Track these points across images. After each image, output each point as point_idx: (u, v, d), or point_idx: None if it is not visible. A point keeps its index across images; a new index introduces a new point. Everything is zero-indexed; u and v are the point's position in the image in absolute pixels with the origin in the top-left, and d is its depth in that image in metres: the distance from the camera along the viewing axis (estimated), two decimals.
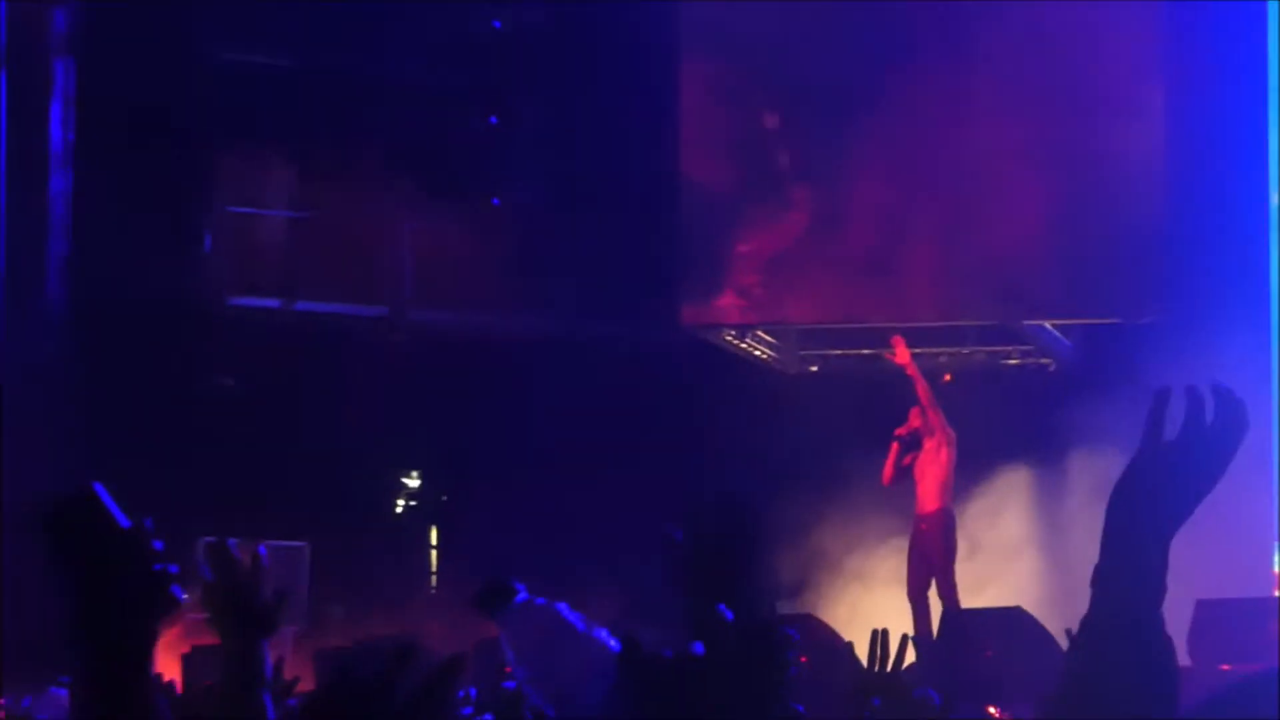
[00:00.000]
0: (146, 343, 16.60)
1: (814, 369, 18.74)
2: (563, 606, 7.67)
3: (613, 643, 5.11)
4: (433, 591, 17.84)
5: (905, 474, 16.06)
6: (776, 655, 3.63)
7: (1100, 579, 2.27)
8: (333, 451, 16.22)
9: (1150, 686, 2.38)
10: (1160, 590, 2.21)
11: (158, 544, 2.48)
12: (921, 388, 16.20)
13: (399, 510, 18.71)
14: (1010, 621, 14.53)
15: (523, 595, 7.53)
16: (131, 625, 2.51)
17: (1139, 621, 2.23)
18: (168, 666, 12.86)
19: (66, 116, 17.80)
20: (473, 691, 6.94)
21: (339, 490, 16.24)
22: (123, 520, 2.53)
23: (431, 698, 2.27)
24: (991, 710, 11.27)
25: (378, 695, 2.32)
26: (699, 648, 2.70)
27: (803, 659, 4.96)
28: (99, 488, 2.58)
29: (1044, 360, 18.30)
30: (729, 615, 3.14)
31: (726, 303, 18.33)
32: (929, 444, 16.07)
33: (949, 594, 15.83)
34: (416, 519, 18.86)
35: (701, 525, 4.50)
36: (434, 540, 18.72)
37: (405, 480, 18.85)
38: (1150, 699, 2.37)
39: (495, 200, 17.48)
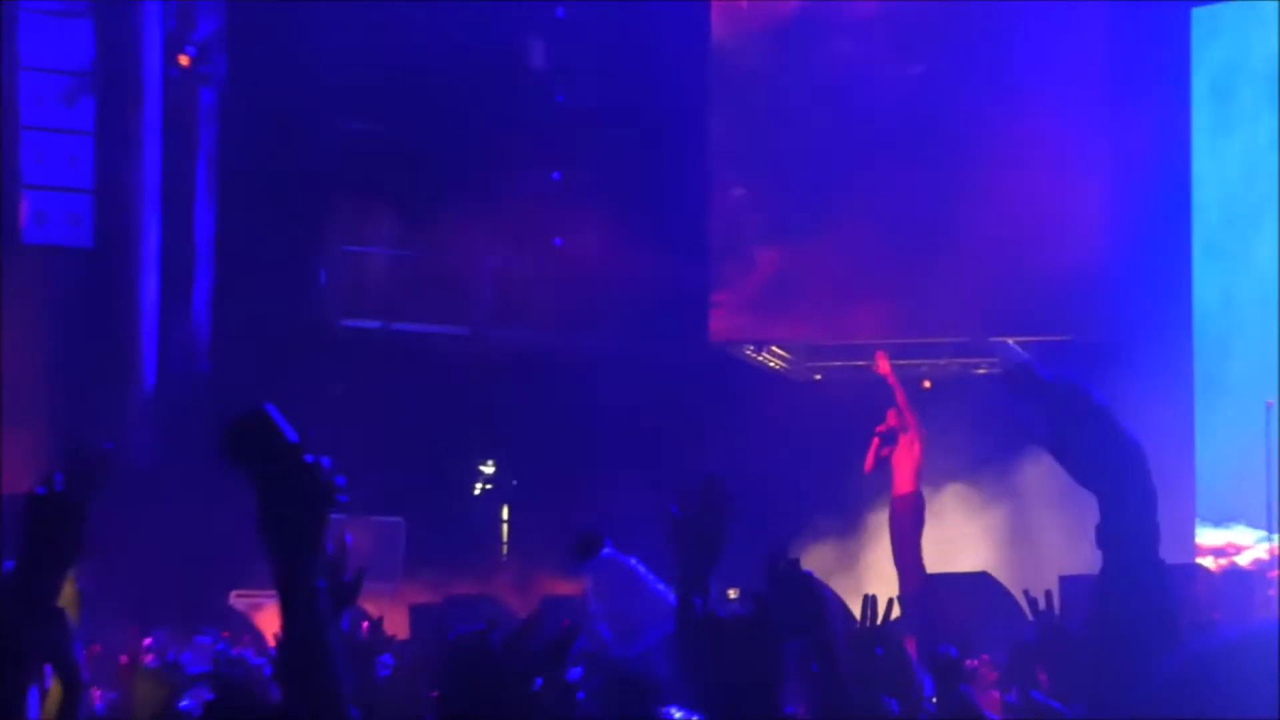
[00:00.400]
0: (275, 356, 17.69)
1: (818, 377, 19.83)
2: (637, 562, 8.14)
3: (671, 598, 6.07)
4: (503, 557, 18.99)
5: (884, 464, 17.42)
6: (806, 597, 4.51)
7: (1101, 537, 2.72)
8: (424, 444, 17.63)
9: (1156, 622, 2.77)
10: (1153, 541, 2.63)
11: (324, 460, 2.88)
12: (899, 393, 17.48)
13: (476, 492, 19.95)
14: (978, 584, 15.24)
15: (608, 548, 8.19)
16: (305, 517, 2.95)
17: (1139, 567, 2.64)
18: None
19: (212, 173, 19.24)
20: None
21: (429, 475, 17.67)
22: (291, 434, 2.90)
23: (553, 658, 2.95)
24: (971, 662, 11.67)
25: (510, 657, 2.92)
26: (745, 608, 3.42)
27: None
28: (270, 408, 2.93)
29: (995, 368, 18.21)
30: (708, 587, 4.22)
31: (746, 323, 19.73)
32: (904, 439, 17.32)
33: (917, 561, 16.96)
34: (491, 499, 20.08)
35: (690, 503, 5.33)
36: (505, 516, 19.88)
37: (482, 468, 20.10)
38: (1158, 631, 2.76)
39: (557, 241, 18.84)
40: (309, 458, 2.87)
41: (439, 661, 4.73)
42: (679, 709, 4.43)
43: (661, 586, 8.56)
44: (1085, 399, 2.73)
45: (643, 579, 9.11)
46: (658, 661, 5.95)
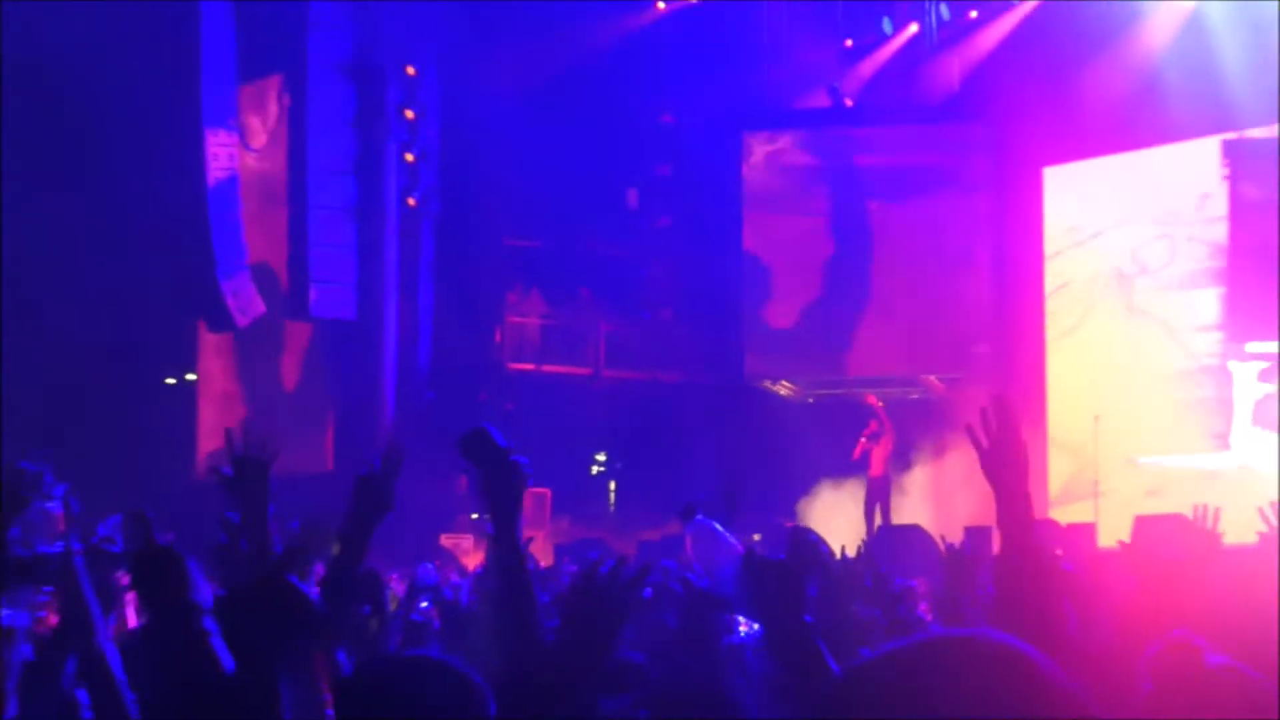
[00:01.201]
0: (469, 388, 21.63)
1: (811, 400, 22.89)
2: (717, 525, 10.23)
3: (740, 549, 6.97)
4: (611, 515, 21.84)
5: (865, 454, 19.71)
6: (808, 551, 5.74)
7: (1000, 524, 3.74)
8: (562, 442, 20.06)
9: None
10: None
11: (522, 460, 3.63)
12: (879, 408, 19.80)
13: (594, 472, 23.19)
14: (913, 533, 16.94)
15: (700, 515, 10.33)
16: (512, 493, 3.63)
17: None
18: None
19: (429, 270, 22.87)
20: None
21: (566, 463, 19.89)
22: (502, 441, 3.59)
23: (636, 581, 3.25)
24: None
25: (612, 578, 3.19)
26: (781, 556, 3.84)
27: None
28: (489, 425, 3.64)
29: (929, 395, 22.09)
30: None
31: (766, 366, 22.69)
32: (881, 439, 19.69)
33: (887, 518, 19.28)
34: (603, 478, 23.44)
35: (730, 488, 7.92)
36: (612, 489, 23.14)
37: (598, 457, 23.45)
38: None
39: (645, 314, 22.49)
40: (514, 457, 3.55)
41: (571, 578, 5.62)
42: (743, 618, 5.36)
43: (731, 539, 10.54)
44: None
45: (720, 535, 10.70)
46: (729, 588, 6.02)
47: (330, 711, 3.42)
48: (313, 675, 3.78)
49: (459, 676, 3.00)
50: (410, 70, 22.09)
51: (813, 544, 6.89)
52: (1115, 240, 20.79)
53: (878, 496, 19.23)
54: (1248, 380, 19.20)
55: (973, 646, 1.79)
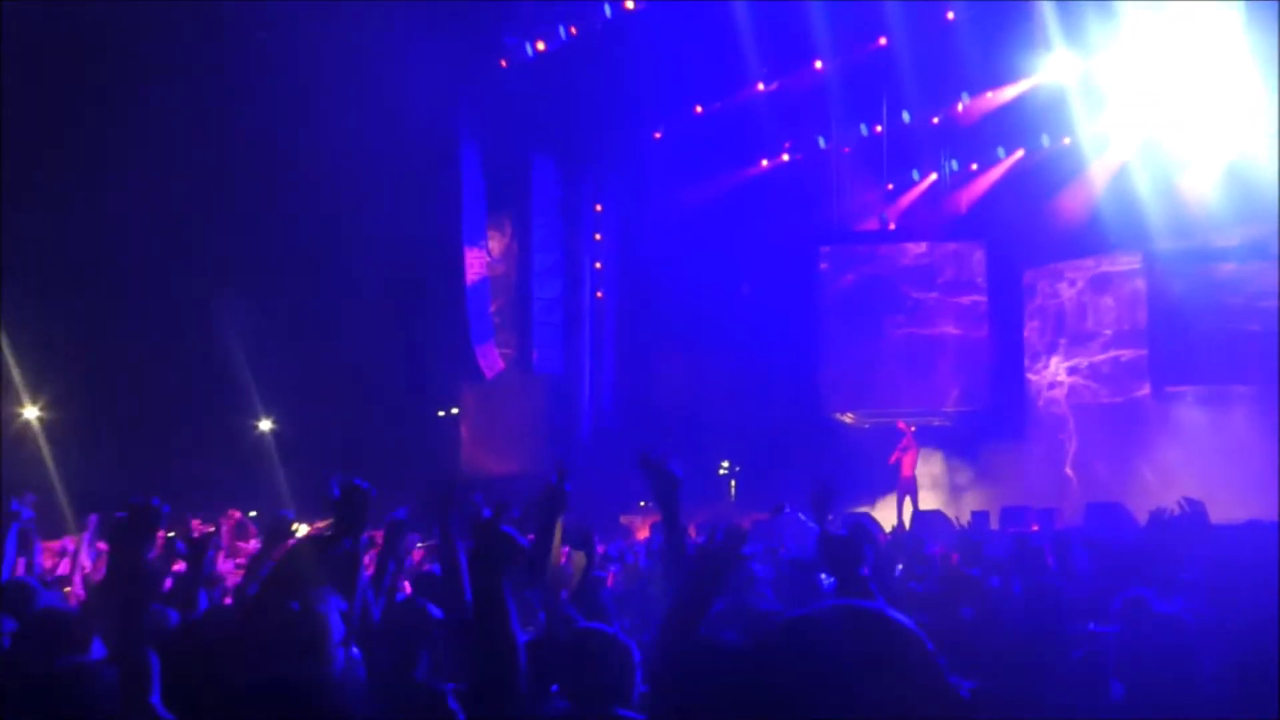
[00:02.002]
0: (639, 419, 22.91)
1: (866, 425, 23.34)
2: (798, 513, 12.38)
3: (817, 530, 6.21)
4: (731, 506, 21.79)
5: (898, 461, 20.44)
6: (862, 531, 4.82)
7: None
8: (694, 455, 18.63)
9: None
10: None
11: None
12: (908, 430, 20.78)
13: (720, 474, 23.95)
14: (937, 516, 18.01)
15: (789, 508, 12.30)
16: (674, 492, 4.03)
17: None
18: None
19: (609, 341, 24.36)
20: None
21: (698, 469, 19.20)
22: (660, 455, 3.99)
23: (741, 547, 3.39)
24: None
25: (727, 545, 3.40)
26: (844, 534, 3.83)
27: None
28: (659, 447, 4.06)
29: (945, 423, 22.85)
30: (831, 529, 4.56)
31: (833, 401, 23.69)
32: (910, 449, 20.54)
33: (915, 506, 19.83)
34: (725, 479, 24.07)
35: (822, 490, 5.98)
36: (733, 486, 23.91)
37: (722, 465, 24.06)
38: None
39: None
40: (671, 466, 4.04)
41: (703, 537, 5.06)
42: (828, 575, 5.39)
43: (811, 523, 9.00)
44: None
45: (803, 522, 11.27)
46: (813, 557, 5.64)
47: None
48: (522, 599, 3.85)
49: (621, 646, 3.54)
50: (598, 207, 24.62)
51: (865, 526, 6.53)
52: None
53: (907, 490, 20.35)
54: None
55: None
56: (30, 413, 24.03)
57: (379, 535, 5.23)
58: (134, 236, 20.78)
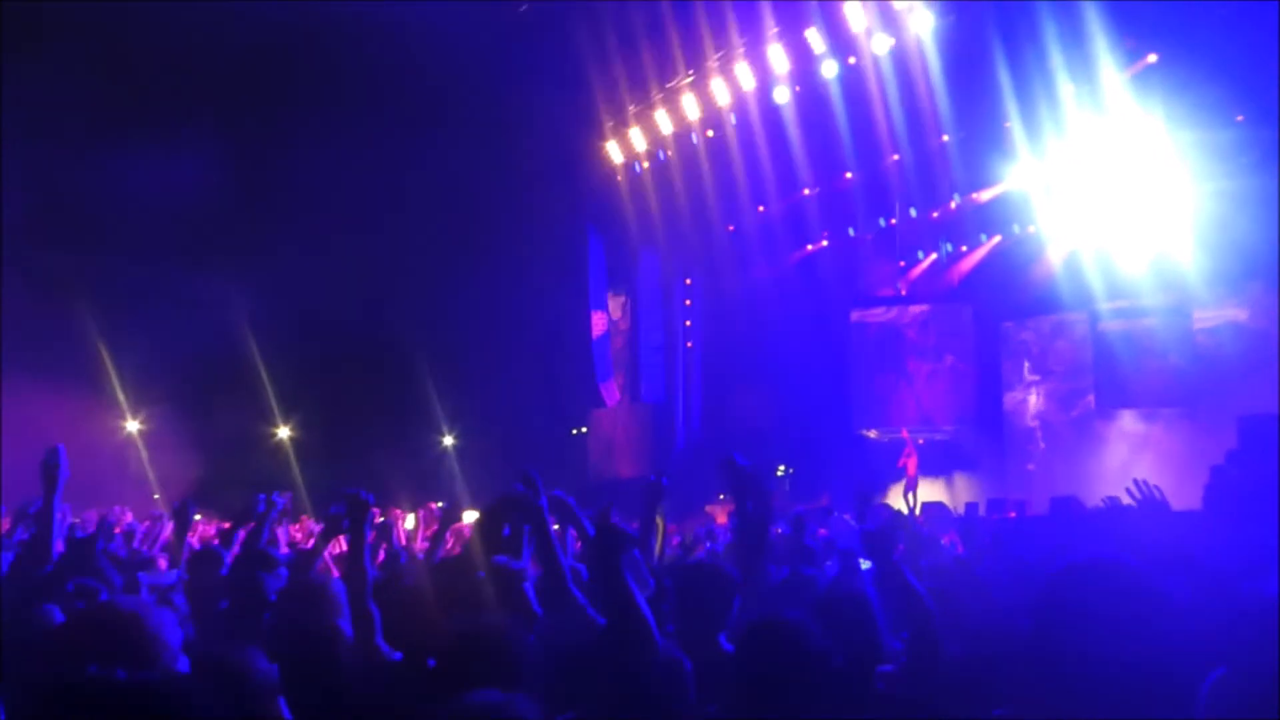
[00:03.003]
0: (722, 436, 23.51)
1: (887, 440, 23.26)
2: (843, 514, 12.18)
3: (855, 525, 6.80)
4: (787, 494, 21.02)
5: (904, 464, 21.15)
6: (891, 520, 7.78)
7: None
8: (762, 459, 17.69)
9: None
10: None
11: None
12: (910, 440, 21.51)
13: (779, 474, 22.83)
14: (936, 507, 17.49)
15: (835, 510, 12.79)
16: (761, 490, 4.03)
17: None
18: None
19: (697, 381, 24.35)
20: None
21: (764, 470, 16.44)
22: (746, 463, 3.98)
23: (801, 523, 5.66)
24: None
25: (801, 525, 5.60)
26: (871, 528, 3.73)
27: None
28: (738, 455, 4.09)
29: (944, 436, 23.08)
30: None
31: (862, 421, 23.66)
32: (913, 456, 21.23)
33: (915, 498, 20.40)
34: (784, 479, 23.00)
35: (862, 495, 6.59)
36: (787, 488, 22.46)
37: (780, 468, 22.77)
38: None
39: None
40: (738, 457, 4.16)
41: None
42: (867, 560, 4.83)
43: (851, 520, 10.27)
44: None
45: (847, 521, 11.04)
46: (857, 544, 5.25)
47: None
48: (638, 568, 3.91)
49: (725, 574, 3.56)
50: (688, 281, 25.76)
51: (900, 521, 6.90)
52: None
53: (911, 488, 21.25)
54: None
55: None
56: (283, 431, 26.93)
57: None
58: (356, 310, 22.63)
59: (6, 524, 8.11)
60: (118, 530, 8.22)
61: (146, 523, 8.92)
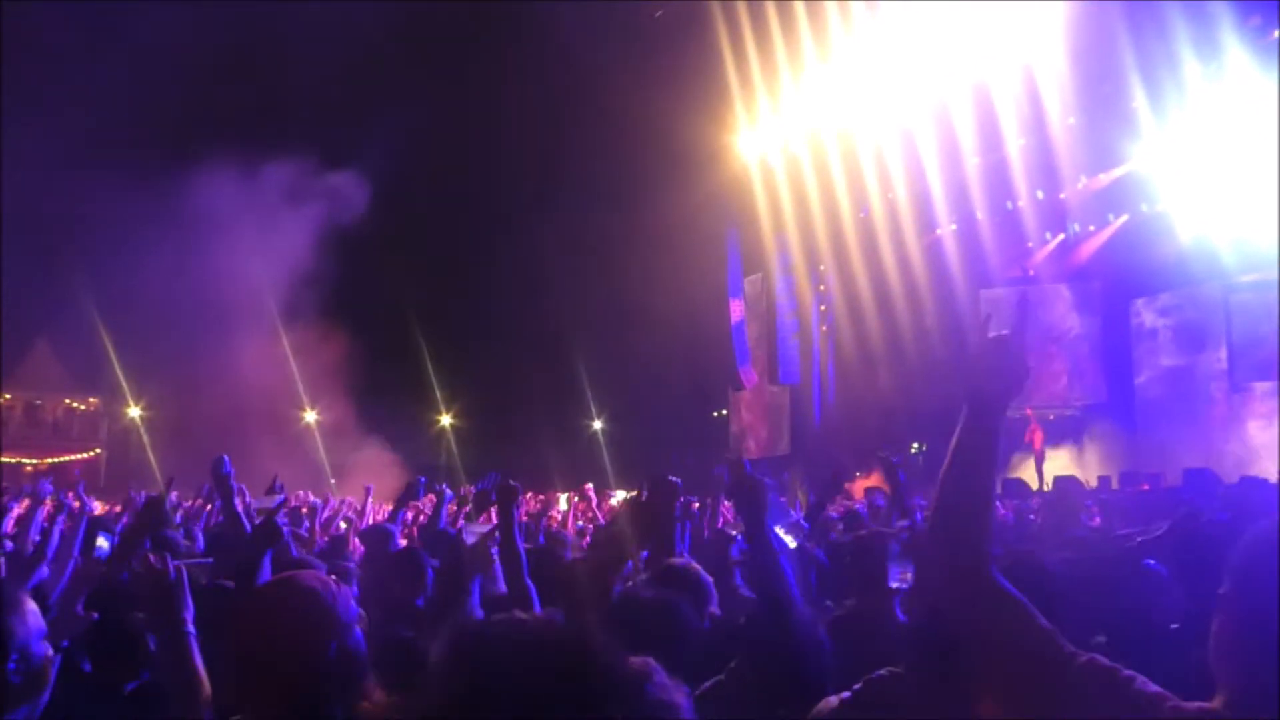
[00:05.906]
0: (853, 419, 23.09)
1: (1016, 415, 20.67)
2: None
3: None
4: (920, 471, 19.30)
5: (1030, 439, 20.82)
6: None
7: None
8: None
9: None
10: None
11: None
12: (1032, 416, 20.69)
13: (913, 451, 22.66)
14: (1069, 481, 16.28)
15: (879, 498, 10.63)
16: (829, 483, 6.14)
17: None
18: None
19: (831, 365, 24.14)
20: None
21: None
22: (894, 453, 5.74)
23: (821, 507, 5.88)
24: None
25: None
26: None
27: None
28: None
29: (1074, 412, 22.52)
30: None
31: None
32: (1038, 430, 20.74)
33: (1040, 469, 20.16)
34: (919, 455, 22.46)
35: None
36: (921, 460, 22.12)
37: (913, 444, 22.96)
38: None
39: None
40: (754, 481, 3.25)
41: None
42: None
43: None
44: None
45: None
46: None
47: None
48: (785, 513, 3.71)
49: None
50: (821, 266, 24.49)
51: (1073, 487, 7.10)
52: None
53: (1039, 462, 20.79)
54: None
55: None
56: (445, 420, 28.14)
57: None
58: (515, 304, 24.62)
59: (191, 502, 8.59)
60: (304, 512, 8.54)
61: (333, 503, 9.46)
